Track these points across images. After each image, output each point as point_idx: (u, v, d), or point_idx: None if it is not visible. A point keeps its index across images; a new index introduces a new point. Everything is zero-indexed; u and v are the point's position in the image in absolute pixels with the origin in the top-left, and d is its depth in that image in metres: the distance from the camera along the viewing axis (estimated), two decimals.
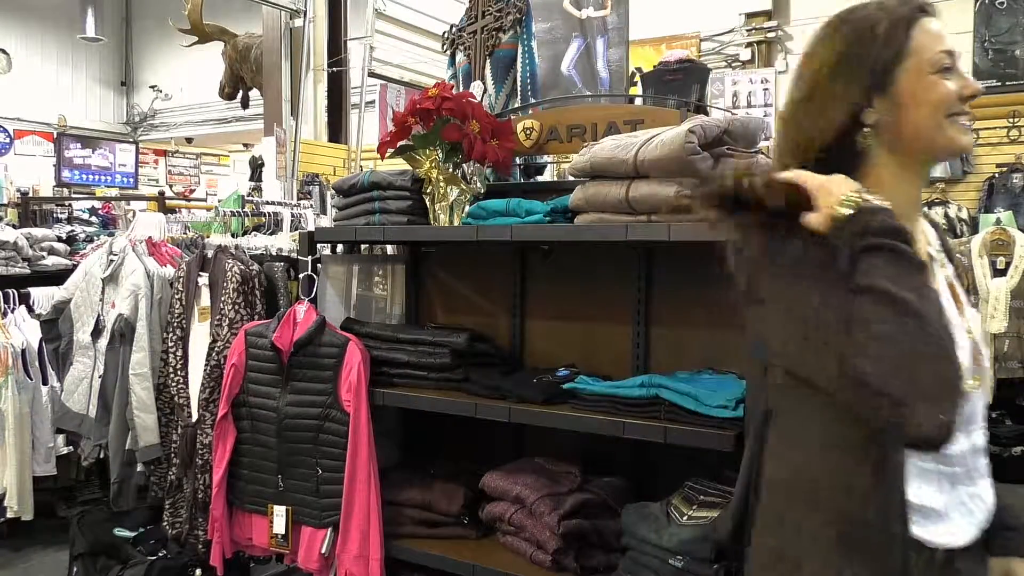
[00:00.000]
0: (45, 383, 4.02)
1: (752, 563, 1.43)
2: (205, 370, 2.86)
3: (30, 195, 8.38)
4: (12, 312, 4.13)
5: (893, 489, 1.24)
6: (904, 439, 1.18)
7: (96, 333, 3.18)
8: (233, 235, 3.57)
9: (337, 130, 8.12)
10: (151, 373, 2.99)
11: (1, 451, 3.83)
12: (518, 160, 2.82)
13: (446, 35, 3.06)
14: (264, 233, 3.65)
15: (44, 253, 4.59)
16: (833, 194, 1.19)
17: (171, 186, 13.42)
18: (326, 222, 4.24)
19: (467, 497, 2.50)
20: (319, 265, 2.71)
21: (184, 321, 2.97)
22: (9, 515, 3.86)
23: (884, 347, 1.10)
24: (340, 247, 3.04)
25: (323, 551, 2.48)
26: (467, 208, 2.47)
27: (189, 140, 14.27)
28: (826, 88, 1.31)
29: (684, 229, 1.97)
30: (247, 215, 3.73)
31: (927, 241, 1.40)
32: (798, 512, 1.32)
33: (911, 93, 1.29)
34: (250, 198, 4.29)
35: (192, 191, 13.86)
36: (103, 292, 3.18)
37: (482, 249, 2.77)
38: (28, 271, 4.41)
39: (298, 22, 7.61)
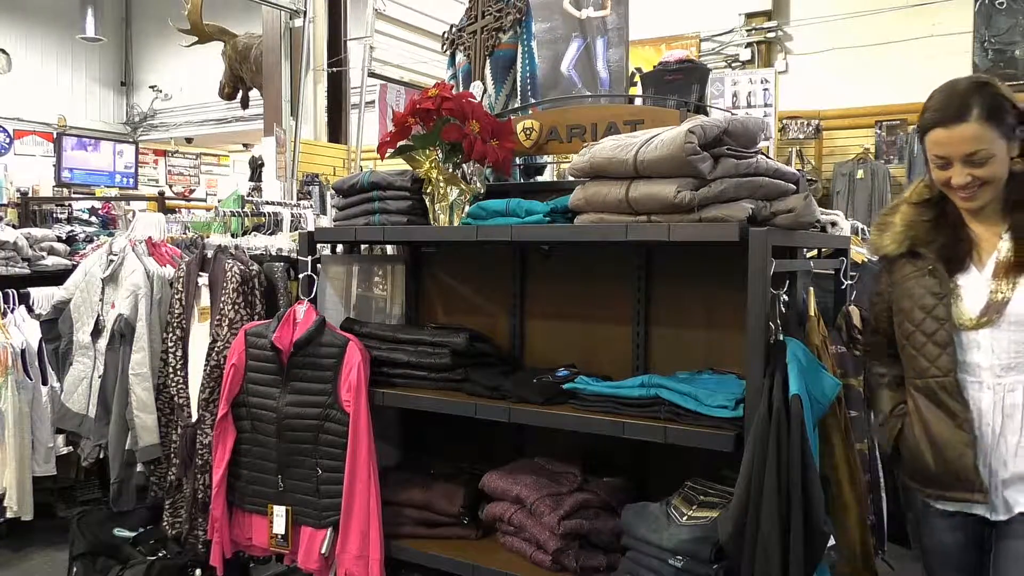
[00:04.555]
0: (45, 383, 4.02)
1: None
2: (205, 370, 2.86)
3: (30, 195, 8.38)
4: (12, 312, 4.13)
5: None
6: None
7: (96, 333, 3.17)
8: (233, 235, 3.57)
9: (337, 130, 8.11)
10: (151, 373, 2.99)
11: (1, 451, 3.83)
12: (518, 160, 2.82)
13: (446, 35, 3.06)
14: (264, 233, 3.65)
15: (44, 253, 4.58)
16: None
17: (171, 186, 13.42)
18: (326, 222, 4.24)
19: (467, 497, 2.50)
20: (319, 265, 2.70)
21: (184, 321, 2.97)
22: (9, 515, 3.86)
23: None
24: (340, 247, 3.04)
25: (323, 551, 2.48)
26: (467, 208, 2.46)
27: (189, 140, 14.27)
28: None
29: (684, 229, 1.97)
30: (247, 215, 3.73)
31: None
32: None
33: None
34: (250, 198, 4.29)
35: (192, 191, 13.86)
36: (103, 292, 3.18)
37: (482, 249, 2.77)
38: (28, 271, 4.40)
39: (298, 22, 7.61)
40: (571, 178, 2.49)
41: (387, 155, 2.58)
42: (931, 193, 1.98)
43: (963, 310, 1.88)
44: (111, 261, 3.16)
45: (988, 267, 1.89)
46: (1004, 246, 1.87)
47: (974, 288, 1.89)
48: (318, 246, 2.75)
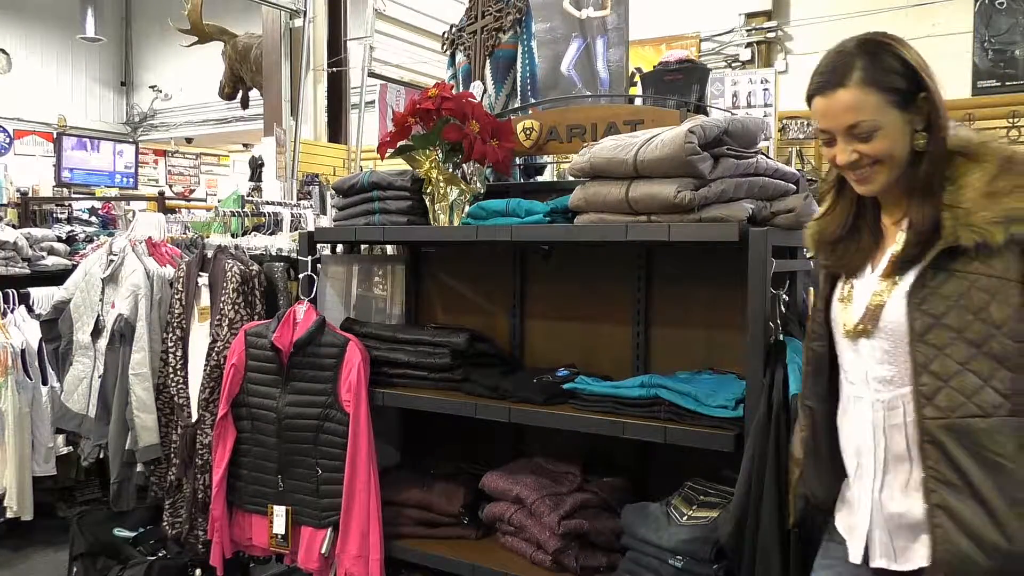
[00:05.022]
0: (45, 383, 4.01)
1: None
2: (205, 370, 2.85)
3: (30, 195, 8.38)
4: (12, 312, 4.13)
5: None
6: None
7: (96, 333, 3.17)
8: (233, 235, 3.57)
9: (337, 130, 8.11)
10: (151, 373, 2.99)
11: (1, 451, 3.83)
12: (518, 160, 2.82)
13: (446, 35, 3.06)
14: (264, 233, 3.65)
15: (44, 253, 4.58)
16: None
17: (171, 186, 13.41)
18: (326, 222, 4.24)
19: (467, 497, 2.50)
20: (319, 265, 2.70)
21: (184, 321, 2.97)
22: (9, 515, 3.86)
23: None
24: (340, 247, 3.04)
25: (323, 551, 2.48)
26: (467, 208, 2.47)
27: (189, 140, 14.26)
28: None
29: (684, 229, 1.97)
30: (247, 215, 3.73)
31: None
32: None
33: None
34: (250, 198, 4.28)
35: (192, 191, 13.86)
36: (103, 292, 3.18)
37: (482, 249, 2.77)
38: (28, 271, 4.40)
39: (298, 22, 7.61)
40: (571, 178, 2.49)
41: (387, 155, 2.58)
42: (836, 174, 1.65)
43: (850, 315, 1.58)
44: (111, 261, 3.16)
45: (882, 265, 1.56)
46: (901, 238, 1.54)
47: (865, 289, 1.58)
48: (318, 246, 2.75)
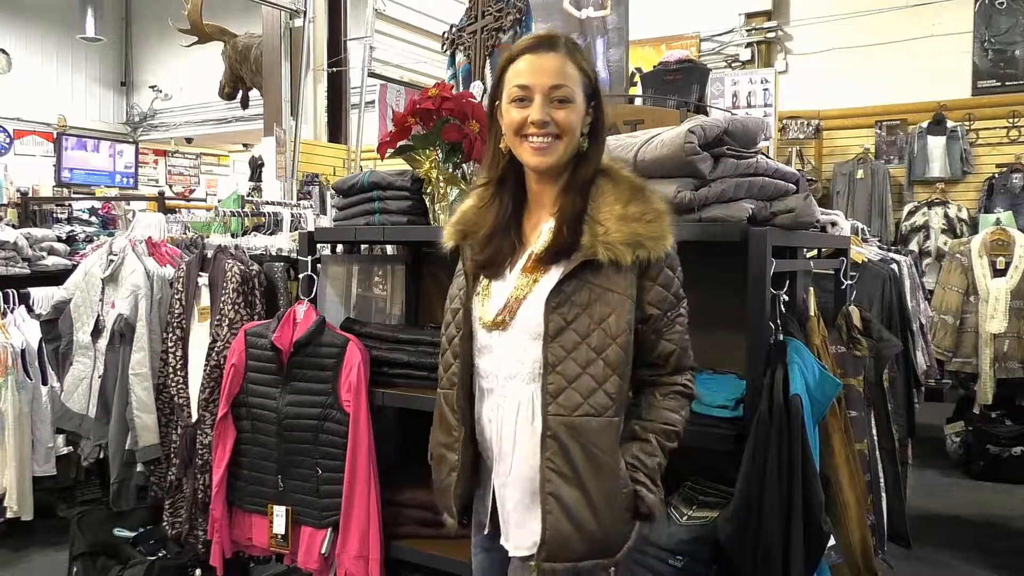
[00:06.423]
0: (45, 383, 4.01)
1: None
2: (205, 370, 2.85)
3: (30, 195, 8.38)
4: (12, 312, 4.13)
5: None
6: None
7: (96, 333, 3.17)
8: (233, 235, 3.57)
9: (337, 130, 8.12)
10: (151, 373, 2.99)
11: (1, 451, 3.83)
12: None
13: (446, 35, 3.07)
14: (264, 233, 3.65)
15: (44, 253, 4.58)
16: None
17: (171, 186, 13.43)
18: (326, 222, 4.24)
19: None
20: (319, 265, 2.70)
21: (184, 321, 2.97)
22: (9, 515, 3.86)
23: None
24: (340, 247, 3.04)
25: (323, 551, 2.48)
26: None
27: (189, 140, 14.27)
28: None
29: (684, 229, 1.97)
30: (247, 215, 3.73)
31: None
32: None
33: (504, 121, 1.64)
34: (250, 198, 4.28)
35: (192, 191, 13.87)
36: (103, 292, 3.18)
37: None
38: (28, 271, 4.40)
39: (298, 22, 7.61)
40: None
41: (387, 155, 2.58)
42: (500, 168, 1.70)
43: (487, 308, 1.66)
44: (111, 261, 3.16)
45: (521, 263, 1.66)
46: (546, 228, 1.64)
47: (504, 285, 1.66)
48: (318, 246, 2.75)
